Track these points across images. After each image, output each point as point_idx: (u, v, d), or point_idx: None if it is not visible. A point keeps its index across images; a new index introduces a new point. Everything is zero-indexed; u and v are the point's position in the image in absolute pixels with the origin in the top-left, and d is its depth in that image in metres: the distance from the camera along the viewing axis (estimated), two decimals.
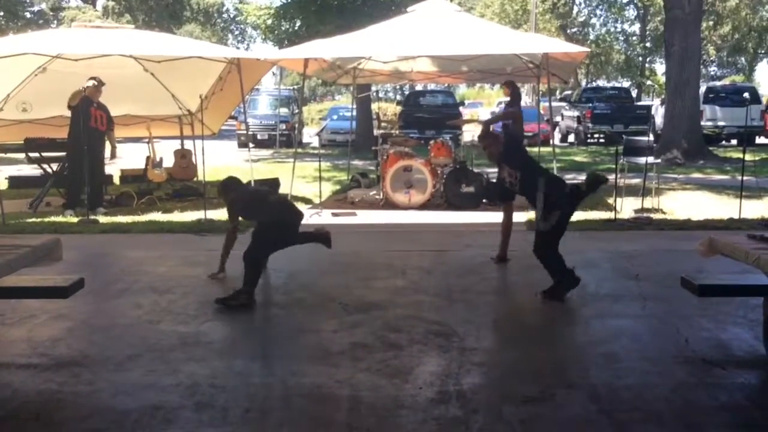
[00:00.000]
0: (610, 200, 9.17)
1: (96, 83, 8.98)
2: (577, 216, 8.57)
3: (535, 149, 13.51)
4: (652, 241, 7.36)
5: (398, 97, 41.95)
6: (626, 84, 42.52)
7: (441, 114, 21.81)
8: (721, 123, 21.19)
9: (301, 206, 9.80)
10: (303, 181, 12.11)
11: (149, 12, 38.54)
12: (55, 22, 42.28)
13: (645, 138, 10.75)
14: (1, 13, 40.41)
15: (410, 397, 3.45)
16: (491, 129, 6.51)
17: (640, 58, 43.47)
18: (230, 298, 5.01)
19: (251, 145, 13.36)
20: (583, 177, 13.82)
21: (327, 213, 9.17)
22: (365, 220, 8.91)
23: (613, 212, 8.55)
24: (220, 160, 15.50)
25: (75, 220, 8.52)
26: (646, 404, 3.37)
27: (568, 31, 41.26)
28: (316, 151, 17.81)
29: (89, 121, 8.89)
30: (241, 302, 4.97)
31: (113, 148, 9.58)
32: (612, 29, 44.16)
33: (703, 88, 21.42)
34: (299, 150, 15.71)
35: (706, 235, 4.37)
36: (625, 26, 44.82)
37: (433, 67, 12.66)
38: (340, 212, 9.30)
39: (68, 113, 9.02)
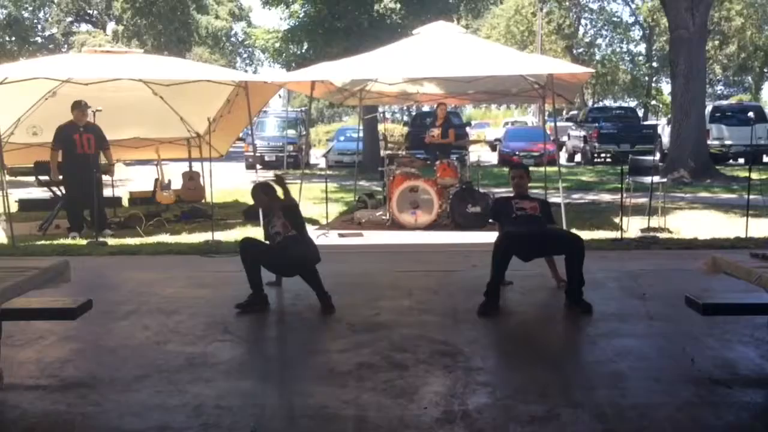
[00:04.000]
0: (617, 219, 9.18)
1: (81, 107, 9.01)
2: (584, 235, 8.59)
3: (542, 169, 13.55)
4: (658, 260, 7.35)
5: (405, 118, 42.15)
6: (632, 104, 42.64)
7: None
8: (728, 142, 21.18)
9: (308, 227, 9.89)
10: (310, 202, 12.16)
11: (158, 36, 38.91)
12: (66, 46, 42.78)
13: (650, 157, 10.77)
14: (13, 39, 40.94)
15: (415, 417, 3.46)
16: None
17: (646, 78, 43.59)
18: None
19: (259, 166, 13.43)
20: (590, 196, 13.90)
21: (334, 234, 9.20)
22: (372, 240, 8.94)
23: (620, 231, 8.55)
24: (228, 182, 15.60)
25: (84, 242, 8.58)
26: (652, 423, 3.37)
27: (574, 51, 41.52)
28: (323, 172, 17.91)
29: (75, 149, 8.97)
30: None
31: (109, 165, 9.61)
32: (618, 49, 44.34)
33: (709, 108, 21.45)
34: (306, 171, 15.82)
35: (712, 255, 4.38)
36: (631, 46, 44.98)
37: (439, 89, 12.73)
38: (346, 233, 9.34)
39: None
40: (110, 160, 9.62)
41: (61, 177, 9.30)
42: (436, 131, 11.39)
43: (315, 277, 5.50)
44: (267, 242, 5.77)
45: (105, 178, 9.98)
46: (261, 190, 5.94)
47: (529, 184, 6.29)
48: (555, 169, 11.58)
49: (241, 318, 5.32)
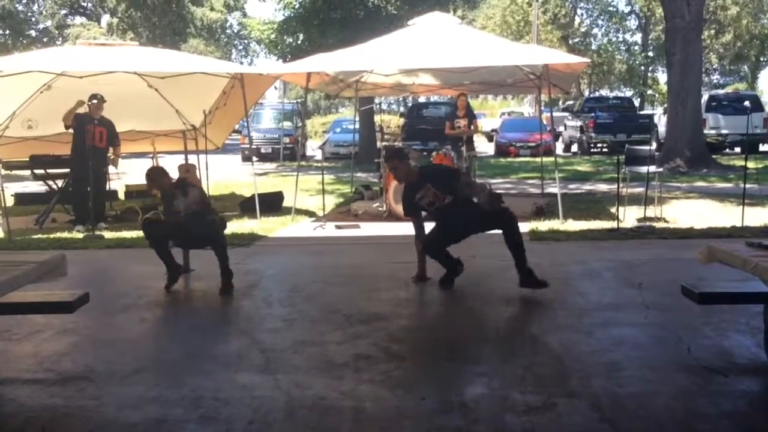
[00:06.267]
0: (613, 209, 9.19)
1: (97, 100, 9.05)
2: (580, 225, 8.64)
3: (538, 159, 13.56)
4: (654, 250, 7.36)
5: (401, 109, 42.09)
6: (629, 93, 42.64)
7: (444, 126, 21.86)
8: (724, 131, 21.18)
9: (304, 219, 9.92)
10: (306, 194, 12.16)
11: (153, 28, 38.77)
12: (60, 39, 42.59)
13: (646, 147, 10.78)
14: (7, 32, 40.75)
15: (413, 407, 3.47)
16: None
17: (642, 68, 43.56)
18: None
19: (255, 158, 13.42)
20: (586, 186, 13.92)
21: (330, 225, 9.20)
22: (368, 232, 8.94)
23: (616, 221, 8.56)
24: (225, 174, 15.58)
25: (80, 235, 8.57)
26: (649, 412, 3.38)
27: (570, 41, 41.48)
28: (319, 164, 17.91)
29: (87, 139, 8.97)
30: None
31: (115, 158, 9.65)
32: (614, 39, 44.39)
33: (705, 97, 21.44)
34: (303, 163, 15.80)
35: (708, 244, 4.38)
36: (627, 36, 45.05)
37: (435, 80, 12.72)
38: (343, 224, 9.34)
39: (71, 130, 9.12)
40: (117, 154, 9.65)
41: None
42: (463, 122, 11.26)
43: (222, 251, 5.80)
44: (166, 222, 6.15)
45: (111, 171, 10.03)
46: (161, 173, 6.26)
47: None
48: (551, 159, 11.61)
49: (239, 310, 5.34)
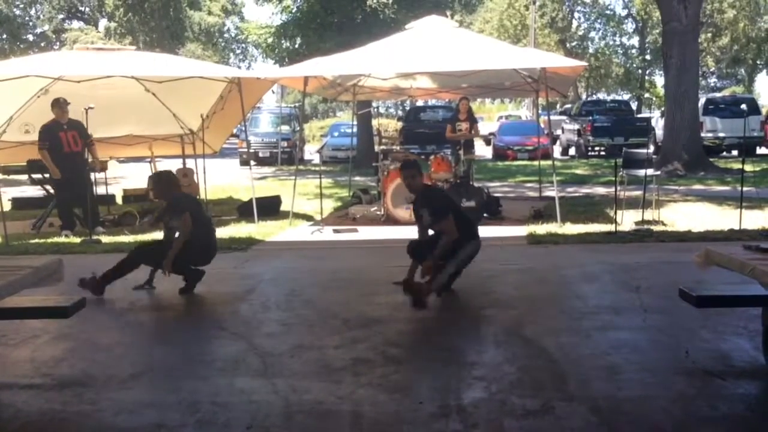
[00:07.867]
0: (611, 212, 9.19)
1: (59, 106, 8.95)
2: (578, 229, 8.64)
3: (536, 163, 13.57)
4: (652, 253, 7.36)
5: (399, 113, 42.10)
6: (626, 97, 42.70)
7: (441, 129, 21.88)
8: (721, 134, 21.26)
9: (302, 223, 9.92)
10: (304, 198, 12.15)
11: (150, 33, 38.75)
12: (58, 44, 42.58)
13: (644, 150, 10.80)
14: (4, 36, 40.73)
15: (411, 412, 3.46)
16: None
17: (640, 71, 43.64)
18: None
19: (253, 162, 13.42)
20: (584, 190, 13.93)
21: (328, 229, 9.20)
22: (366, 236, 8.94)
23: (614, 224, 8.57)
24: (222, 179, 15.58)
25: (77, 240, 8.54)
26: (647, 416, 3.38)
27: (568, 45, 41.52)
28: (317, 168, 17.91)
29: (62, 148, 8.92)
30: None
31: (95, 160, 9.51)
32: (611, 42, 44.45)
33: (702, 100, 21.51)
34: (301, 167, 15.80)
35: (706, 247, 4.38)
36: (624, 39, 45.10)
37: (432, 83, 12.73)
38: (341, 228, 9.34)
39: None
40: (94, 155, 9.51)
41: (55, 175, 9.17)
42: (464, 125, 11.24)
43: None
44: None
45: (99, 175, 9.97)
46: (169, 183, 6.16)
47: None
48: (549, 162, 11.63)
49: (236, 315, 5.32)
